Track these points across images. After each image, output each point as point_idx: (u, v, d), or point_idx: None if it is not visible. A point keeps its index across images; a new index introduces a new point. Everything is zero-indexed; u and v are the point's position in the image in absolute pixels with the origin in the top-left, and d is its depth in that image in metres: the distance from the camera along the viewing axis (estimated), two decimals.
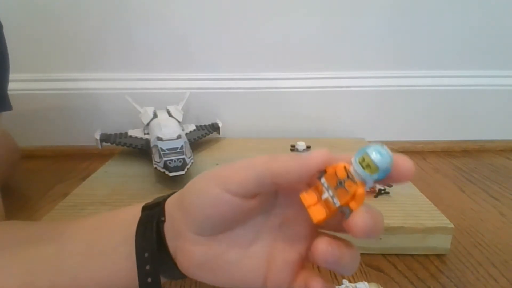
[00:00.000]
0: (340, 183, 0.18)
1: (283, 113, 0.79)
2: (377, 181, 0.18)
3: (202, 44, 0.75)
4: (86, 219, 0.29)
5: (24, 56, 0.74)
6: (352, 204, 0.18)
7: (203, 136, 0.69)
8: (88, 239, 0.27)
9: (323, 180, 0.19)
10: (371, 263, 0.40)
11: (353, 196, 0.18)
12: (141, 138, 0.64)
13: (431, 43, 0.76)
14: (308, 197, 0.19)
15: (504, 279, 0.38)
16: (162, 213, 0.25)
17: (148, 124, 0.64)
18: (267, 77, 0.77)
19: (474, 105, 0.79)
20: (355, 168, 0.17)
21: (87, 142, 0.74)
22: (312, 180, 0.20)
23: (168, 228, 0.24)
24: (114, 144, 0.63)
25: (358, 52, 0.76)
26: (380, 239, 0.41)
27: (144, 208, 0.26)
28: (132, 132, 0.67)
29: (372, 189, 0.48)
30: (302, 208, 0.20)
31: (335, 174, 0.18)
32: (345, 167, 0.18)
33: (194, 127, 0.71)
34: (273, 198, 0.24)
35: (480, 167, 0.70)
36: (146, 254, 0.24)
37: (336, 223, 0.21)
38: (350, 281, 0.36)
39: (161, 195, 0.27)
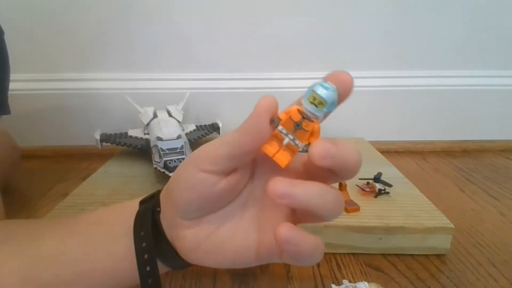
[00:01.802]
0: (297, 125, 0.19)
1: None
2: (327, 113, 0.19)
3: (202, 44, 0.75)
4: (85, 214, 0.30)
5: (24, 56, 0.74)
6: (312, 140, 0.20)
7: (203, 136, 0.69)
8: (89, 233, 0.27)
9: (280, 127, 0.20)
10: (371, 263, 0.40)
11: (312, 133, 0.19)
12: (141, 138, 0.64)
13: (431, 43, 0.76)
14: (270, 147, 0.20)
15: (504, 279, 0.38)
16: (157, 204, 0.26)
17: (148, 124, 0.64)
18: (267, 77, 0.77)
19: (474, 105, 0.79)
20: (308, 108, 0.19)
21: (87, 142, 0.74)
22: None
23: (162, 218, 0.25)
24: (114, 144, 0.63)
25: (358, 52, 0.76)
26: (380, 239, 0.41)
27: (142, 202, 0.27)
28: (132, 132, 0.67)
29: (372, 189, 0.48)
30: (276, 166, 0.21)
31: (290, 118, 0.19)
32: (298, 110, 0.19)
33: (194, 127, 0.71)
34: (252, 171, 0.24)
35: (480, 167, 0.70)
36: (144, 244, 0.24)
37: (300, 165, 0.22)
38: (350, 281, 0.36)
39: (136, 198, 0.28)
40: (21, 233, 0.29)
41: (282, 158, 0.20)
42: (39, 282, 0.26)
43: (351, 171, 0.20)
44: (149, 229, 0.25)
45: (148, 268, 0.24)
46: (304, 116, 0.19)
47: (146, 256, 0.24)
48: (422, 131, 0.80)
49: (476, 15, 0.74)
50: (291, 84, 0.77)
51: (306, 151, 0.19)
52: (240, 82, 0.77)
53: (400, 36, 0.75)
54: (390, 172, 0.55)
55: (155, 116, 0.64)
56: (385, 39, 0.75)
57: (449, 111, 0.79)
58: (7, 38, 0.52)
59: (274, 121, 0.20)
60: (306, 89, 0.19)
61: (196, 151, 0.23)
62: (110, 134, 0.66)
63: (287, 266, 0.39)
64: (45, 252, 0.27)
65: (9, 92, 0.54)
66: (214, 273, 0.38)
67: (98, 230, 0.27)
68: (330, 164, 0.19)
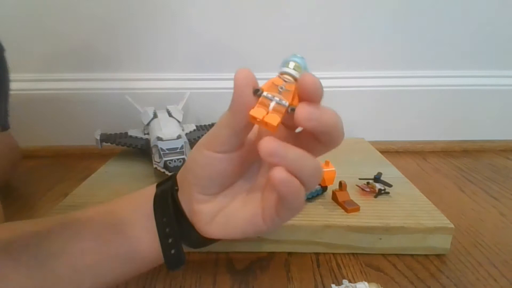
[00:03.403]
0: (281, 88, 0.22)
1: None
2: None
3: (202, 44, 0.75)
4: (97, 206, 0.31)
5: (24, 56, 0.74)
6: (295, 103, 0.22)
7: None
8: (107, 220, 0.29)
9: (265, 93, 0.22)
10: (371, 263, 0.40)
11: (294, 95, 0.22)
12: (141, 138, 0.64)
13: (431, 44, 0.76)
14: (257, 112, 0.22)
15: (504, 279, 0.38)
16: (175, 183, 0.29)
17: (148, 124, 0.64)
18: (267, 77, 0.77)
19: (474, 105, 0.79)
20: (288, 71, 0.22)
21: (87, 142, 0.74)
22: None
23: (181, 195, 0.28)
24: (114, 144, 0.63)
25: (358, 52, 0.76)
26: (380, 239, 0.41)
27: (159, 185, 0.30)
28: (132, 132, 0.67)
29: (372, 189, 0.48)
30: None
31: (273, 84, 0.22)
32: (279, 76, 0.22)
33: (194, 127, 0.71)
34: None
35: (480, 167, 0.70)
36: (165, 220, 0.27)
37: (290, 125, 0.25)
38: (350, 281, 0.36)
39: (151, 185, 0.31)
40: (33, 233, 0.29)
41: (273, 120, 0.21)
42: (55, 270, 0.26)
43: (334, 136, 0.23)
44: (171, 208, 0.27)
45: (173, 251, 0.27)
46: (285, 80, 0.22)
47: (170, 240, 0.27)
48: (422, 131, 0.81)
49: (476, 15, 0.74)
50: None
51: (291, 111, 0.21)
52: None
53: (400, 36, 0.75)
54: (390, 172, 0.55)
55: (155, 116, 0.64)
56: (385, 39, 0.75)
57: (449, 111, 0.79)
58: (7, 38, 0.52)
59: (257, 90, 0.22)
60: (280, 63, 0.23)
61: (205, 136, 0.26)
62: (110, 134, 0.66)
63: (287, 266, 0.39)
64: (59, 247, 0.27)
65: (9, 92, 0.54)
66: (214, 273, 0.38)
67: (114, 218, 0.29)
68: (314, 125, 0.21)
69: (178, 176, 0.29)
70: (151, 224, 0.28)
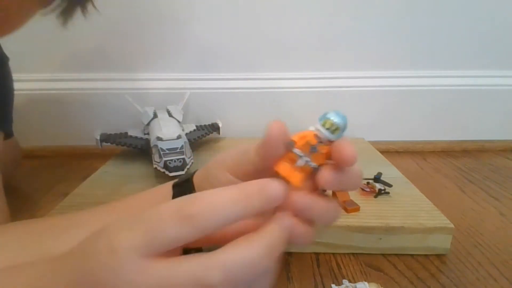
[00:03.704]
0: (313, 148, 0.21)
1: (283, 113, 0.79)
2: (338, 138, 0.21)
3: (202, 44, 0.75)
4: (111, 203, 0.31)
5: (24, 56, 0.73)
6: (323, 160, 0.22)
7: (203, 136, 0.69)
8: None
9: (296, 150, 0.21)
10: (371, 263, 0.40)
11: (326, 155, 0.21)
12: (141, 138, 0.64)
13: (431, 44, 0.76)
14: (283, 169, 0.22)
15: (504, 279, 0.38)
16: (192, 186, 0.29)
17: (148, 124, 0.64)
18: (267, 77, 0.77)
19: (474, 105, 0.79)
20: (324, 133, 0.21)
21: (87, 142, 0.74)
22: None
23: None
24: (114, 144, 0.63)
25: (358, 52, 0.76)
26: (380, 239, 0.41)
27: (175, 186, 0.30)
28: (132, 132, 0.67)
29: (372, 189, 0.48)
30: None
31: (308, 142, 0.21)
32: (315, 135, 0.21)
33: (194, 127, 0.71)
34: None
35: (480, 167, 0.70)
36: None
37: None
38: (350, 281, 0.36)
39: (166, 183, 0.31)
40: (45, 227, 0.29)
41: (296, 180, 0.21)
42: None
43: (351, 189, 0.23)
44: None
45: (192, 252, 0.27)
46: (320, 141, 0.21)
47: None
48: (422, 131, 0.80)
49: (476, 15, 0.74)
50: (291, 84, 0.77)
51: (315, 171, 0.21)
52: (240, 82, 0.77)
53: (400, 37, 0.75)
54: (390, 172, 0.55)
55: (155, 116, 0.64)
56: (385, 40, 0.75)
57: (449, 111, 0.79)
58: (7, 38, 0.52)
59: (289, 144, 0.21)
60: (319, 116, 0.21)
61: (228, 157, 0.26)
62: (110, 134, 0.66)
63: (287, 266, 0.39)
64: (74, 242, 0.27)
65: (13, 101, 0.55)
66: None
67: (128, 214, 0.29)
68: (335, 188, 0.22)
69: (195, 180, 0.29)
70: None
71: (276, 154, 0.22)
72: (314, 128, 0.21)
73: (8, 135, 0.54)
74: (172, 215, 0.17)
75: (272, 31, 0.74)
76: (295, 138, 0.21)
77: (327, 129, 0.21)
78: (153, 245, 0.17)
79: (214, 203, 0.17)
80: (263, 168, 0.24)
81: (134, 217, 0.18)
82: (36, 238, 0.28)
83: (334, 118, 0.21)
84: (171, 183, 0.31)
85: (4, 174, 0.56)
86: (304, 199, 0.21)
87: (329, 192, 0.46)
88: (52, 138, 0.78)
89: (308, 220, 0.21)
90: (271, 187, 0.18)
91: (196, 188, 0.29)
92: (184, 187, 0.29)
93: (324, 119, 0.21)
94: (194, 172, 0.30)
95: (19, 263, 0.26)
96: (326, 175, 0.21)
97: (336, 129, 0.21)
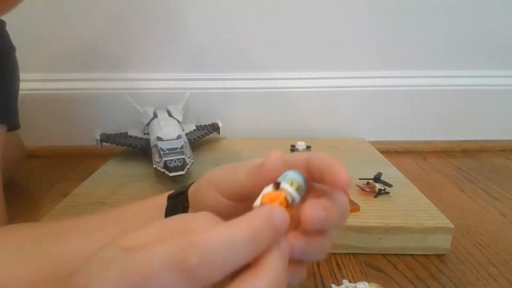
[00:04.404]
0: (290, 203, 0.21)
1: (283, 113, 0.79)
2: (300, 200, 0.21)
3: (202, 44, 0.75)
4: (108, 211, 0.31)
5: (24, 56, 0.73)
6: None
7: (203, 136, 0.69)
8: (117, 227, 0.29)
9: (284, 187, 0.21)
10: (371, 263, 0.40)
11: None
12: (141, 138, 0.64)
13: (431, 43, 0.76)
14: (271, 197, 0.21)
15: (504, 279, 0.38)
16: (186, 199, 0.28)
17: (148, 124, 0.64)
18: (267, 77, 0.77)
19: (474, 105, 0.79)
20: (293, 194, 0.20)
21: (87, 142, 0.74)
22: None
23: (191, 212, 0.28)
24: (114, 144, 0.63)
25: (358, 52, 0.76)
26: (380, 239, 0.41)
27: (170, 197, 0.30)
28: (132, 132, 0.67)
29: (372, 189, 0.48)
30: None
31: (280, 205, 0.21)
32: (285, 198, 0.20)
33: (194, 127, 0.71)
34: None
35: (480, 167, 0.70)
36: None
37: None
38: (350, 281, 0.36)
39: (162, 194, 0.30)
40: (42, 233, 0.29)
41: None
42: (68, 272, 0.26)
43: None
44: None
45: None
46: (290, 203, 0.20)
47: None
48: (422, 131, 0.80)
49: (476, 15, 0.74)
50: (291, 84, 0.77)
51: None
52: (240, 82, 0.77)
53: (400, 36, 0.75)
54: (390, 172, 0.55)
55: (155, 116, 0.64)
56: (385, 40, 0.75)
57: (449, 111, 0.79)
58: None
59: (278, 184, 0.21)
60: (281, 177, 0.21)
61: (219, 175, 0.25)
62: (110, 134, 0.66)
63: None
64: (73, 249, 0.27)
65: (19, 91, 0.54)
66: None
67: (125, 224, 0.29)
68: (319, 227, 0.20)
69: (190, 193, 0.29)
70: None
71: (268, 183, 0.21)
72: (281, 187, 0.20)
73: (14, 126, 0.53)
74: (166, 266, 0.14)
75: (272, 31, 0.74)
76: (265, 200, 0.20)
77: (296, 190, 0.20)
78: None
79: (218, 248, 0.15)
80: (252, 192, 0.22)
81: (120, 256, 0.16)
82: (35, 242, 0.28)
83: (299, 179, 0.20)
84: (166, 194, 0.30)
85: (7, 171, 0.56)
86: (299, 240, 0.19)
87: None
88: (52, 138, 0.78)
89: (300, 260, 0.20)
90: (277, 217, 0.17)
91: (190, 201, 0.28)
92: (178, 199, 0.29)
93: (288, 179, 0.20)
94: (190, 185, 0.29)
95: (15, 264, 0.26)
96: (310, 209, 0.19)
97: (299, 187, 0.20)
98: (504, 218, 0.50)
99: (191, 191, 0.29)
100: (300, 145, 0.66)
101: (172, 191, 0.30)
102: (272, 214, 0.17)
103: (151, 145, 0.57)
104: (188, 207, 0.28)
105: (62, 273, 0.26)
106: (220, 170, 0.26)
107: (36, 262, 0.27)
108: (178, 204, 0.29)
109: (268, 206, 0.18)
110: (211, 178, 0.26)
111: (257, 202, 0.20)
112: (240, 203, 0.24)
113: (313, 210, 0.19)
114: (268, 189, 0.21)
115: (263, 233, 0.16)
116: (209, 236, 0.15)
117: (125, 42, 0.75)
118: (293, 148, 0.68)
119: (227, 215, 0.24)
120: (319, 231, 0.20)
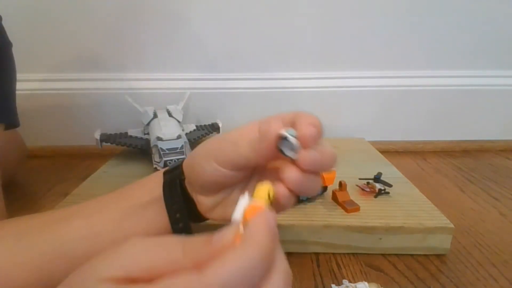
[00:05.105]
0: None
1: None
2: None
3: (202, 44, 0.75)
4: (108, 194, 0.32)
5: (24, 57, 0.73)
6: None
7: (203, 136, 0.69)
8: (118, 207, 0.30)
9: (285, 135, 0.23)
10: (371, 263, 0.40)
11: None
12: (141, 138, 0.64)
13: (431, 43, 0.76)
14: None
15: (504, 279, 0.38)
16: (182, 172, 0.30)
17: (148, 124, 0.64)
18: (267, 77, 0.77)
19: (474, 105, 0.79)
20: (293, 142, 0.23)
21: (87, 142, 0.74)
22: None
23: (187, 184, 0.30)
24: (114, 144, 0.63)
25: (358, 52, 0.76)
26: (380, 239, 0.41)
27: (166, 173, 0.31)
28: (132, 132, 0.67)
29: (372, 189, 0.48)
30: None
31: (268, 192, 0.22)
32: (268, 195, 0.22)
33: (194, 127, 0.71)
34: None
35: (480, 167, 0.70)
36: (175, 206, 0.29)
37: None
38: (350, 281, 0.36)
39: (158, 171, 0.32)
40: (43, 221, 0.30)
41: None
42: (72, 255, 0.27)
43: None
44: (180, 195, 0.29)
45: (180, 225, 0.29)
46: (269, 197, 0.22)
47: (178, 216, 0.29)
48: (422, 131, 0.80)
49: (476, 15, 0.74)
50: (291, 84, 0.77)
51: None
52: (240, 82, 0.77)
53: (400, 36, 0.75)
54: (390, 172, 0.55)
55: (155, 116, 0.64)
56: (385, 39, 0.75)
57: (449, 111, 0.79)
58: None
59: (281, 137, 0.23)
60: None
61: (216, 147, 0.27)
62: (110, 134, 0.66)
63: None
64: (76, 232, 0.28)
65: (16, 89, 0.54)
66: None
67: (126, 203, 0.30)
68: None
69: (185, 166, 0.30)
70: (162, 209, 0.29)
71: (273, 150, 0.23)
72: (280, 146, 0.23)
73: (12, 125, 0.52)
74: None
75: (272, 31, 0.74)
76: (247, 214, 0.19)
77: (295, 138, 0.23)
78: None
79: (235, 279, 0.14)
80: (256, 163, 0.25)
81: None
82: (37, 230, 0.28)
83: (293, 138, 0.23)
84: (162, 170, 0.31)
85: (7, 171, 0.56)
86: (298, 174, 0.23)
87: (329, 192, 0.46)
88: (52, 138, 0.78)
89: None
90: (274, 223, 0.17)
91: (185, 174, 0.29)
92: (174, 174, 0.30)
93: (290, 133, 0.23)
94: (184, 160, 0.31)
95: (18, 252, 0.26)
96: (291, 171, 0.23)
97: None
98: (504, 218, 0.50)
99: (186, 165, 0.29)
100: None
101: (167, 167, 0.31)
102: (270, 224, 0.17)
103: (151, 145, 0.57)
104: (184, 179, 0.30)
105: (65, 255, 0.27)
106: (216, 143, 0.27)
107: (39, 248, 0.27)
108: (174, 178, 0.30)
109: (262, 218, 0.17)
110: (208, 150, 0.27)
111: (237, 215, 0.19)
112: (239, 172, 0.26)
113: (310, 153, 0.23)
114: (244, 201, 0.19)
115: (270, 247, 0.16)
116: (222, 271, 0.14)
117: (125, 42, 0.75)
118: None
119: (225, 184, 0.27)
120: (313, 171, 0.23)
